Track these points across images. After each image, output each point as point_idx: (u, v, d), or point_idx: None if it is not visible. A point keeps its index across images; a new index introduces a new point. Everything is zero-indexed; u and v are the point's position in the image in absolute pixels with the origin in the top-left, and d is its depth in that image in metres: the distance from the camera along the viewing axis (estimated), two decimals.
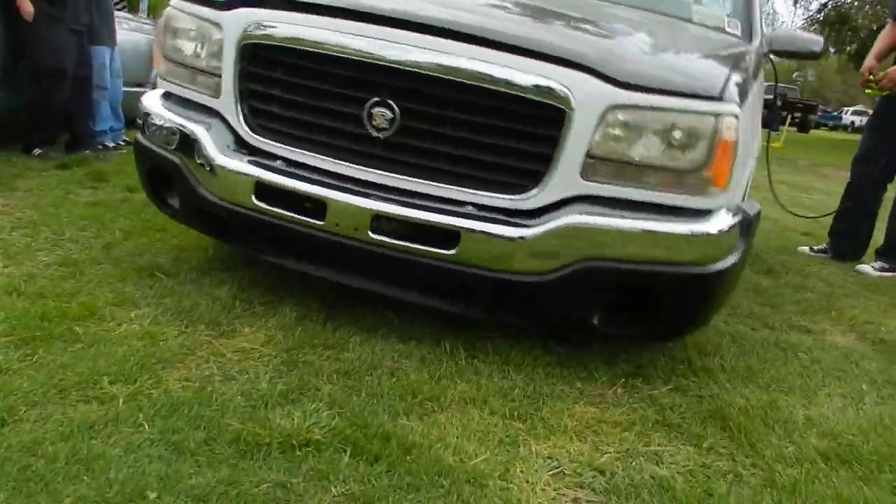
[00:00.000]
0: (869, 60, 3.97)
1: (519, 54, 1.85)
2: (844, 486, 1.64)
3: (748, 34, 2.83)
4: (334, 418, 1.64)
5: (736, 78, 1.99)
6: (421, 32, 1.88)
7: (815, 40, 3.04)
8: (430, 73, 1.86)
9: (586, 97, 1.82)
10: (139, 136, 2.35)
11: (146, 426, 1.53)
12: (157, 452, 1.44)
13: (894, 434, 1.94)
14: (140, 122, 2.33)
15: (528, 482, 1.51)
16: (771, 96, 3.92)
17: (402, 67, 1.87)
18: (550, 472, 1.57)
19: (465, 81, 1.84)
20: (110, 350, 1.85)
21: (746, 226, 2.06)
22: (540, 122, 1.86)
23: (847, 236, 4.24)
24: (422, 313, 2.26)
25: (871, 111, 4.35)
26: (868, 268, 3.98)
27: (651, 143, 1.85)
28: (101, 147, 4.92)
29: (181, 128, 2.16)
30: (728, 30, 2.81)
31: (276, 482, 1.40)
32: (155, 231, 2.97)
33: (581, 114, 1.82)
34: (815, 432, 1.91)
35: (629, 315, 2.04)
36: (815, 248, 4.39)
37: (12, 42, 4.25)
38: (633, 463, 1.65)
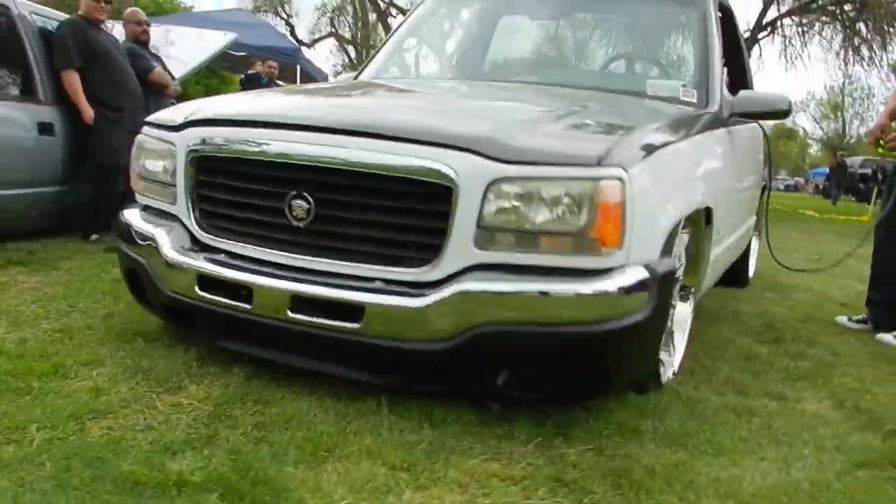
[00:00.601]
0: (882, 118, 3.91)
1: (408, 142, 2.05)
2: None
3: (704, 101, 2.93)
4: (224, 464, 1.76)
5: (634, 143, 2.10)
6: (326, 133, 2.14)
7: (781, 99, 3.11)
8: (335, 167, 2.11)
9: (470, 174, 1.97)
10: (120, 243, 2.68)
11: (47, 465, 1.70)
12: (42, 487, 1.60)
13: (805, 499, 1.85)
14: (121, 230, 2.68)
15: None
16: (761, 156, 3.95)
17: (311, 164, 2.13)
18: None
19: (363, 171, 2.07)
20: (53, 402, 2.07)
21: (656, 283, 2.08)
22: (431, 200, 2.02)
23: (881, 305, 4.05)
24: None
25: None
26: (889, 337, 3.77)
27: (536, 210, 1.96)
28: None
29: (145, 231, 2.48)
30: (683, 98, 2.91)
31: None
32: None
33: (466, 190, 1.97)
34: (716, 493, 1.85)
35: (534, 378, 2.09)
36: (855, 318, 4.20)
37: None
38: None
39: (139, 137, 2.65)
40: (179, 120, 2.45)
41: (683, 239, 2.68)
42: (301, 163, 2.14)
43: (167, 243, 2.37)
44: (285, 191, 2.16)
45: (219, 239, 2.34)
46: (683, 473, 1.94)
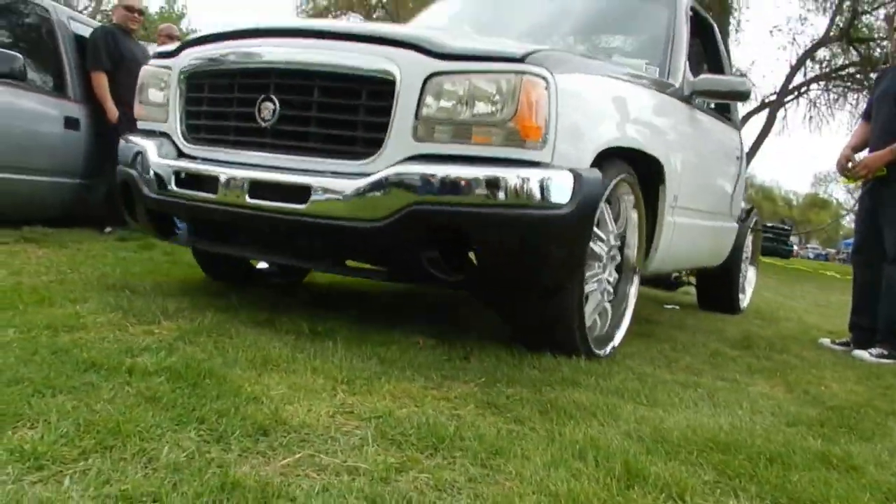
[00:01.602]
0: (845, 150, 4.07)
1: (357, 41, 2.36)
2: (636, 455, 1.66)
3: (665, 76, 3.25)
4: (176, 363, 1.90)
5: (567, 58, 2.42)
6: (291, 36, 2.49)
7: (740, 82, 3.38)
8: (297, 68, 2.40)
9: (409, 70, 2.22)
10: (119, 166, 2.89)
11: (16, 349, 1.88)
12: (8, 361, 1.77)
13: (722, 437, 1.91)
14: (120, 151, 2.92)
15: (309, 410, 1.69)
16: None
17: (278, 66, 2.43)
18: (336, 409, 1.74)
19: (320, 70, 2.36)
20: (33, 317, 2.25)
21: (579, 187, 2.23)
22: (376, 96, 2.27)
23: (863, 330, 4.10)
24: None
25: None
26: (864, 353, 3.81)
27: (467, 103, 2.18)
28: None
29: (138, 145, 2.76)
30: (645, 74, 3.12)
31: (88, 383, 1.68)
32: (149, 273, 3.45)
33: (407, 84, 2.21)
34: (636, 422, 1.94)
35: (455, 260, 2.29)
36: (838, 340, 4.25)
37: (99, 140, 5.12)
38: (418, 411, 1.79)
39: (143, 68, 2.96)
40: (176, 46, 2.82)
41: (633, 219, 2.84)
42: (269, 67, 2.44)
43: (154, 152, 2.68)
44: (256, 95, 2.43)
45: (198, 147, 2.64)
46: (610, 410, 2.03)
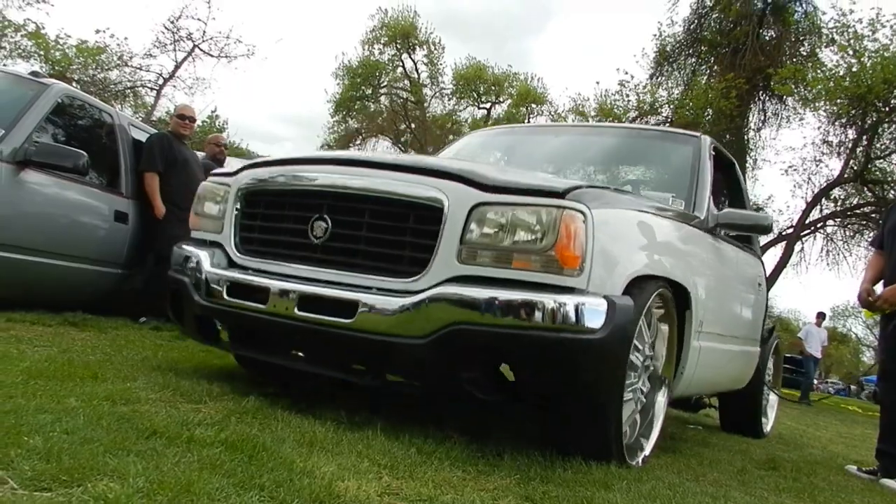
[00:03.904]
0: (864, 285, 4.19)
1: (409, 172, 2.55)
2: None
3: (691, 209, 3.44)
4: (229, 437, 1.99)
5: (601, 194, 2.57)
6: (346, 165, 2.73)
7: (763, 217, 3.58)
8: (350, 193, 2.60)
9: (456, 199, 2.40)
10: (170, 271, 3.10)
11: (81, 417, 1.98)
12: (76, 425, 1.87)
13: None
14: (173, 258, 3.11)
15: (359, 488, 1.76)
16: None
17: (333, 190, 2.64)
18: (384, 489, 1.81)
19: (373, 195, 2.55)
20: (91, 390, 2.37)
21: (613, 311, 2.35)
22: (424, 220, 2.44)
23: (890, 456, 4.07)
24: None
25: None
26: (893, 483, 3.77)
27: (509, 232, 2.35)
28: None
29: (192, 254, 2.95)
30: (672, 206, 3.30)
31: (153, 448, 1.77)
32: (187, 359, 3.57)
33: (453, 212, 2.40)
34: None
35: (493, 380, 2.37)
36: (865, 469, 4.21)
37: (144, 235, 5.38)
38: (461, 498, 1.84)
39: (202, 184, 3.19)
40: (237, 167, 3.06)
41: (663, 331, 2.95)
42: (325, 189, 2.65)
43: (208, 261, 2.85)
44: (310, 214, 2.63)
45: (250, 258, 2.81)
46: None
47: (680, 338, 3.10)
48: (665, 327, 2.97)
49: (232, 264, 2.84)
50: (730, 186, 4.48)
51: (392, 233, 2.51)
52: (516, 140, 4.51)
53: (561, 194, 2.36)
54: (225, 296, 2.71)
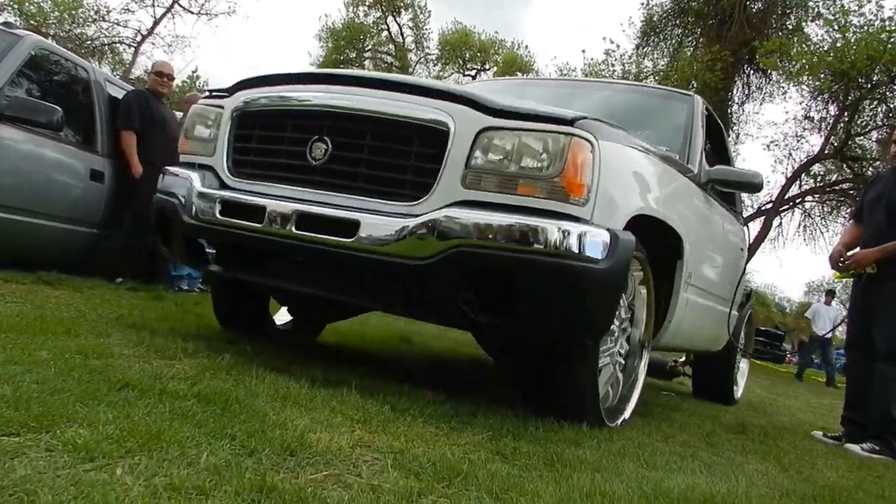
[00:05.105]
0: (838, 247, 4.25)
1: (415, 93, 2.50)
2: None
3: (685, 163, 3.46)
4: (202, 390, 2.00)
5: (610, 128, 2.52)
6: (348, 84, 2.64)
7: (754, 174, 3.55)
8: (353, 113, 2.54)
9: (464, 121, 2.37)
10: (158, 194, 3.02)
11: (52, 368, 1.97)
12: (46, 376, 1.86)
13: (713, 495, 2.00)
14: (161, 180, 3.04)
15: (331, 439, 1.78)
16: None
17: (334, 111, 2.57)
18: (356, 442, 1.82)
19: (376, 116, 2.49)
20: (63, 343, 2.37)
21: (615, 245, 2.35)
22: (428, 143, 2.41)
23: (855, 424, 4.17)
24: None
25: None
26: (857, 448, 3.87)
27: (516, 158, 2.32)
28: (176, 289, 5.73)
29: (182, 174, 2.88)
30: (672, 155, 3.33)
31: (124, 399, 1.77)
32: (163, 318, 3.55)
33: (460, 136, 2.36)
34: (638, 480, 2.03)
35: (491, 303, 2.34)
36: (830, 434, 4.31)
37: (121, 194, 5.31)
38: (433, 450, 1.87)
39: (194, 106, 3.08)
40: (230, 85, 2.94)
41: (641, 293, 2.98)
42: (326, 110, 2.58)
43: (199, 181, 2.78)
44: (309, 135, 2.56)
45: (244, 181, 2.75)
46: (613, 467, 2.11)
47: (669, 289, 3.15)
48: (643, 290, 3.00)
49: (224, 186, 2.76)
50: (718, 150, 4.52)
51: (395, 156, 2.47)
52: (514, 88, 4.48)
53: (570, 122, 2.33)
54: (217, 215, 2.65)
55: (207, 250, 3.07)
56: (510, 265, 2.28)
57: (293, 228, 2.46)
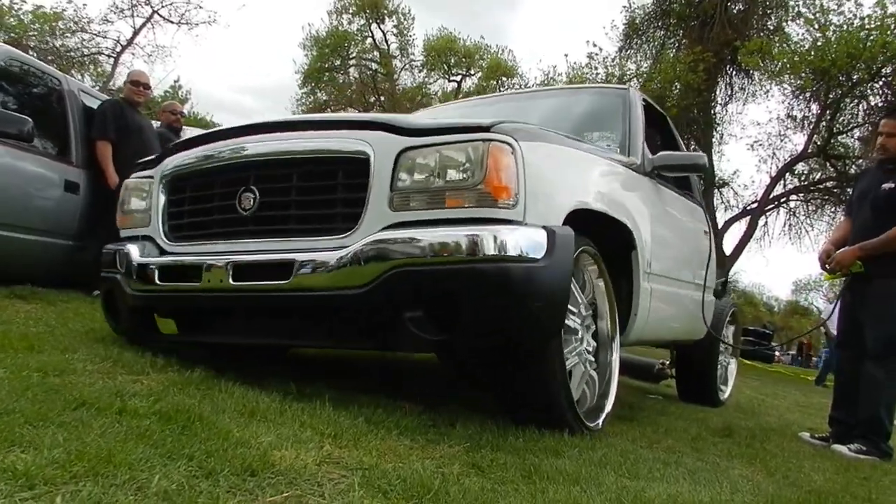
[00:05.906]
0: (825, 245, 4.19)
1: (331, 128, 2.53)
2: None
3: (626, 154, 3.49)
4: (165, 407, 1.92)
5: (528, 129, 2.49)
6: (267, 131, 2.65)
7: (698, 156, 3.61)
8: (275, 158, 2.56)
9: (382, 146, 2.37)
10: (101, 273, 3.03)
11: (6, 385, 1.88)
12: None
13: None
14: (103, 259, 3.04)
15: (297, 457, 1.70)
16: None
17: (257, 159, 2.58)
18: (323, 458, 1.75)
19: (297, 157, 2.50)
20: (24, 361, 2.30)
21: (553, 241, 2.31)
22: (351, 174, 2.39)
23: (842, 424, 4.13)
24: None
25: None
26: (844, 448, 3.82)
27: (440, 172, 2.30)
28: None
29: (120, 249, 2.89)
30: (605, 148, 3.39)
31: (79, 419, 1.69)
32: None
33: (381, 161, 2.35)
34: (618, 491, 1.96)
35: (437, 318, 2.29)
36: (817, 435, 4.27)
37: (96, 205, 5.21)
38: (404, 466, 1.80)
39: (125, 181, 3.12)
40: (155, 155, 3.02)
41: (600, 286, 2.93)
42: (250, 160, 2.59)
43: (138, 252, 2.82)
44: (236, 188, 2.57)
45: (181, 244, 2.78)
46: (593, 478, 2.04)
47: (629, 282, 3.12)
48: (601, 283, 2.95)
49: (163, 253, 2.79)
50: (664, 139, 4.50)
51: (322, 192, 2.46)
52: (462, 110, 4.46)
53: (486, 128, 2.30)
54: (157, 280, 2.66)
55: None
56: (447, 277, 2.24)
57: (230, 280, 2.44)
